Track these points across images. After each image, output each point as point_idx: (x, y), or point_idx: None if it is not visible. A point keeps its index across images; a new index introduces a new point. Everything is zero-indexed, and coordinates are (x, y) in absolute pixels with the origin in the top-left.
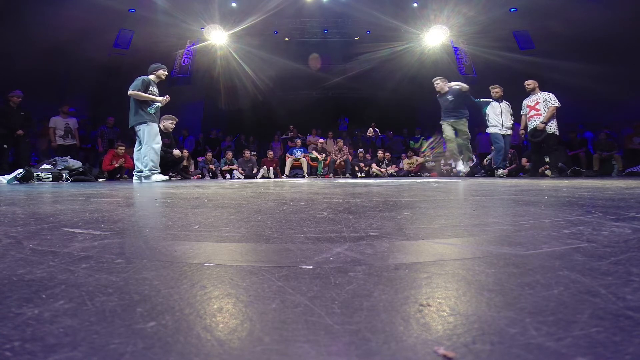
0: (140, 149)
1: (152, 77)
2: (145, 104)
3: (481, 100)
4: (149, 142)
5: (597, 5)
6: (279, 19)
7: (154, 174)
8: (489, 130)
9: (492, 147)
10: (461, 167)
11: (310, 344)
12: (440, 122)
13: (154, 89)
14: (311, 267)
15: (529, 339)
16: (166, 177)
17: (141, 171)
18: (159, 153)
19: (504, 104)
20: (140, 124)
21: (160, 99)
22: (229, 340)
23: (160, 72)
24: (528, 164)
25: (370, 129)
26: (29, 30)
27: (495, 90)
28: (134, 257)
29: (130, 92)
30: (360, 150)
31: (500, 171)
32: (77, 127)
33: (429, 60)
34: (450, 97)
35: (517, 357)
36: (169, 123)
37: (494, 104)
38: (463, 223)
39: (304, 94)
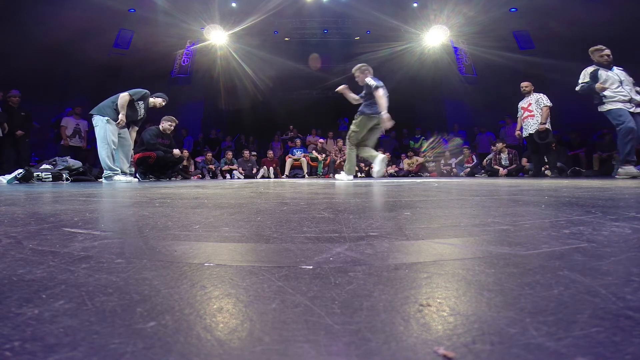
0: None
1: (151, 99)
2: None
3: (587, 72)
4: (106, 139)
5: (597, 5)
6: (279, 19)
7: (115, 174)
8: (606, 107)
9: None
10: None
11: (310, 344)
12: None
13: (141, 106)
14: (311, 267)
15: (529, 339)
16: (130, 178)
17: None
18: (111, 152)
19: (619, 71)
20: (102, 115)
21: (123, 118)
22: (229, 340)
23: (159, 100)
24: (528, 164)
25: None
26: (29, 30)
27: (605, 52)
28: (134, 257)
29: (122, 93)
30: None
31: (626, 168)
32: (87, 130)
33: (429, 60)
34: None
35: (517, 357)
36: (168, 125)
37: (603, 72)
38: (463, 223)
39: (304, 94)
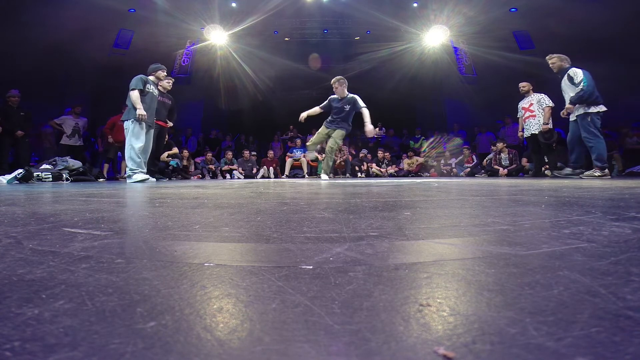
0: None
1: (151, 77)
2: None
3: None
4: (130, 140)
5: (597, 4)
6: (279, 19)
7: (134, 173)
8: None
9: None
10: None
11: (310, 344)
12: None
13: (151, 87)
14: (311, 267)
15: (529, 339)
16: (147, 177)
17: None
18: (139, 153)
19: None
20: (128, 119)
21: (142, 112)
22: (229, 340)
23: (160, 72)
24: (528, 164)
25: (377, 129)
26: (29, 30)
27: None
28: (134, 257)
29: (130, 92)
30: (362, 151)
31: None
32: (85, 127)
33: (429, 60)
34: (347, 107)
35: (517, 357)
36: (167, 83)
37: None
38: (463, 223)
39: (304, 94)
